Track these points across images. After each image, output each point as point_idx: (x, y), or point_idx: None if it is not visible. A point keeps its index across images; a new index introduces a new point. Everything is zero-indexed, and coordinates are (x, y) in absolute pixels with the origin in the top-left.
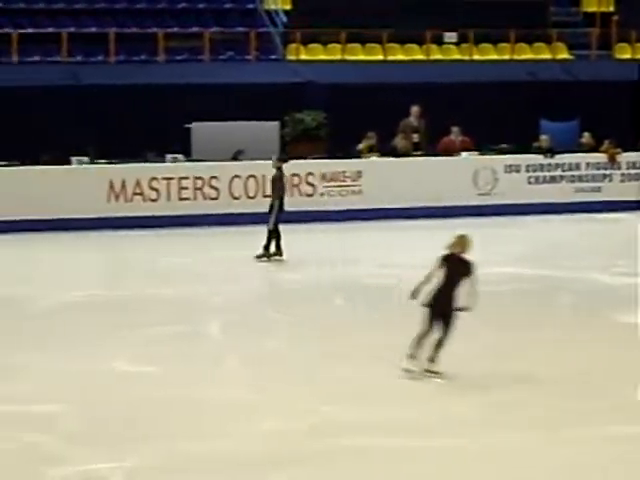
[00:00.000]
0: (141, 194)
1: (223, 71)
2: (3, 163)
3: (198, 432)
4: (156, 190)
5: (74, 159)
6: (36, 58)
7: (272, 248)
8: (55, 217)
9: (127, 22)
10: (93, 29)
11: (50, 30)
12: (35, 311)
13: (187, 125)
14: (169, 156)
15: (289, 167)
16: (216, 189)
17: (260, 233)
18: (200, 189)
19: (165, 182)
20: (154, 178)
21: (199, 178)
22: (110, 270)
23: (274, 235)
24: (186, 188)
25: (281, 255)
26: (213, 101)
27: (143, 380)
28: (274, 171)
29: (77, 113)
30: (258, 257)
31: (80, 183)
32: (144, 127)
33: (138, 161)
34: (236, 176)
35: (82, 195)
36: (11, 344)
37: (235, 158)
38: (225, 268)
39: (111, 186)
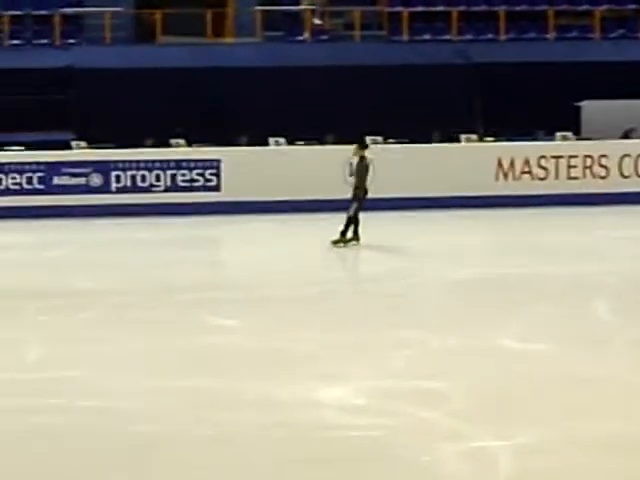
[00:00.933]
0: (529, 172)
1: (613, 49)
2: (393, 141)
3: (584, 412)
4: (545, 169)
5: (463, 137)
6: (426, 37)
7: (349, 234)
8: (447, 195)
9: (517, 0)
10: (483, 7)
11: (440, 9)
12: (432, 287)
13: (577, 103)
14: (558, 134)
15: None
16: (606, 168)
17: None
18: (589, 168)
19: (554, 160)
20: (543, 156)
21: (589, 157)
22: (497, 248)
23: (353, 222)
24: (575, 167)
25: (358, 240)
26: (602, 79)
27: (529, 359)
28: (355, 159)
29: (468, 90)
30: (334, 243)
31: (469, 161)
32: (533, 105)
33: (527, 139)
34: (626, 155)
35: (471, 173)
36: (395, 321)
37: (626, 136)
38: (618, 247)
39: (500, 164)
